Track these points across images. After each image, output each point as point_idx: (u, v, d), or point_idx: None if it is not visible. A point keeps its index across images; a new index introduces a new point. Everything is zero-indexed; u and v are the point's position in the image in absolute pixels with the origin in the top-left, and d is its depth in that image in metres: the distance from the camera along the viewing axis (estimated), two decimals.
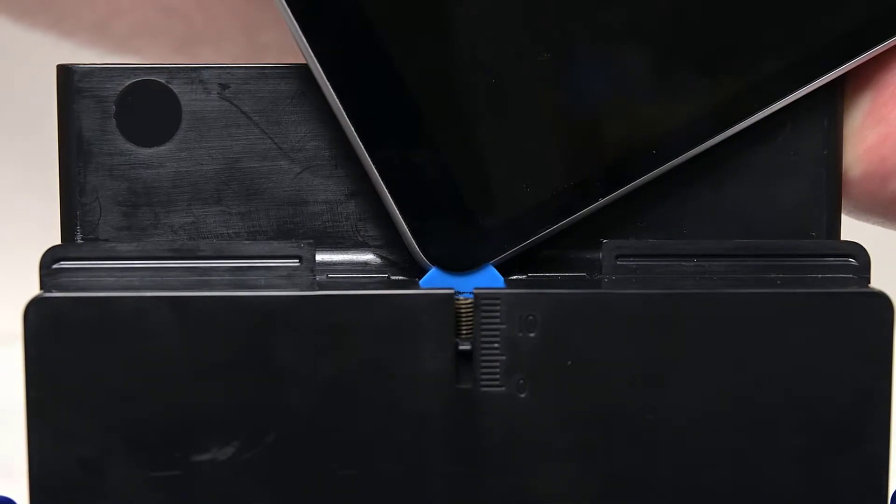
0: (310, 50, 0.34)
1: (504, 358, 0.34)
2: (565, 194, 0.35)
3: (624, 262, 0.36)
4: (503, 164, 0.35)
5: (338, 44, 0.35)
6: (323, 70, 0.35)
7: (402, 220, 0.35)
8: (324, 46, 0.35)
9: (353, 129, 0.35)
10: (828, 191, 0.37)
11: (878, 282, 0.35)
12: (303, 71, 0.36)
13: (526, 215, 0.35)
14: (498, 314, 0.34)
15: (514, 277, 0.36)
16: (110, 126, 0.36)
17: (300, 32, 0.34)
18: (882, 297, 0.34)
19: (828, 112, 0.37)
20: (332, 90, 0.35)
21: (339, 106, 0.35)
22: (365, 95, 0.35)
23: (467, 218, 0.35)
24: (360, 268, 0.36)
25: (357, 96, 0.35)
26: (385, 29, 0.35)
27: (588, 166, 0.35)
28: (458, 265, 0.35)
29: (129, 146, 0.36)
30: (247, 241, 0.36)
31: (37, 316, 0.33)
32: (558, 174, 0.35)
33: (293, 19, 0.34)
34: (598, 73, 0.35)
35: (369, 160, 0.35)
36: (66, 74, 0.36)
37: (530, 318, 0.34)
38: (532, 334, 0.34)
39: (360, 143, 0.35)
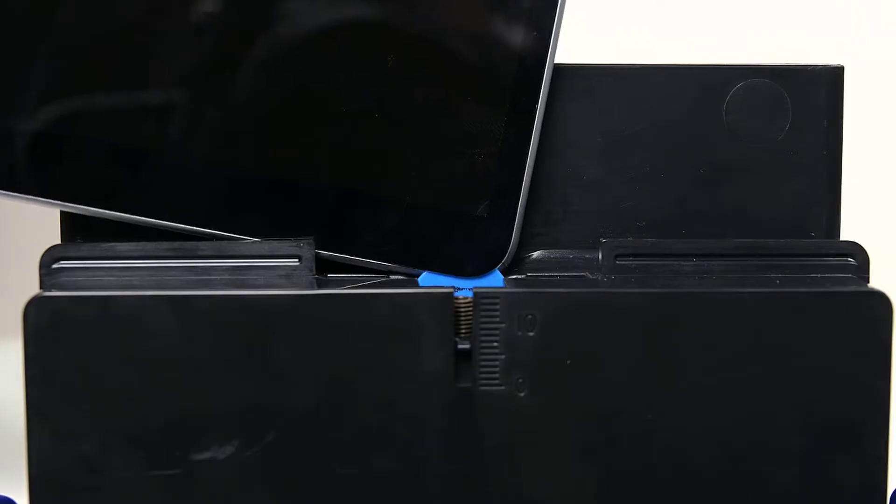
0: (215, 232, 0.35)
1: (503, 357, 0.34)
2: (501, 130, 0.36)
3: (623, 262, 0.36)
4: (443, 159, 0.36)
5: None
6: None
7: (429, 270, 0.36)
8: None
9: (345, 255, 0.36)
10: (827, 191, 0.37)
11: (877, 282, 0.35)
12: None
13: (500, 168, 0.36)
14: (497, 313, 0.34)
15: (514, 277, 0.36)
16: None
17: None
18: (881, 297, 0.34)
19: (828, 112, 0.37)
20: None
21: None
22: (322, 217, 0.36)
23: (467, 218, 0.36)
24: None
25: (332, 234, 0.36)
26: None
27: (497, 93, 0.36)
28: (493, 261, 0.36)
29: None
30: (246, 241, 0.36)
31: (37, 315, 0.33)
32: (474, 119, 0.36)
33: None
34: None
35: (366, 259, 0.36)
36: None
37: (529, 317, 0.34)
38: (531, 333, 0.34)
39: (350, 256, 0.36)
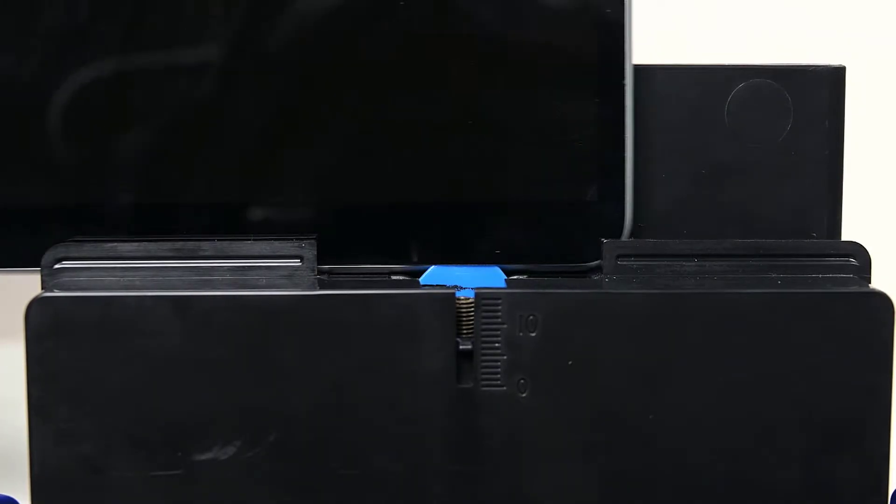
0: None
1: (505, 358, 0.34)
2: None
3: (625, 262, 0.36)
4: (542, 153, 0.36)
5: None
6: None
7: (549, 263, 0.36)
8: None
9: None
10: (829, 191, 0.37)
11: (878, 282, 0.35)
12: None
13: (601, 149, 0.36)
14: (499, 314, 0.34)
15: (515, 277, 0.36)
16: None
17: None
18: (882, 297, 0.34)
19: (829, 112, 0.37)
20: None
21: None
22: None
23: (579, 205, 0.36)
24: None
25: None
26: None
27: None
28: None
29: None
30: (248, 241, 0.36)
31: (39, 315, 0.33)
32: (565, 107, 0.36)
33: None
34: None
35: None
36: None
37: (531, 317, 0.34)
38: (533, 334, 0.34)
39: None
